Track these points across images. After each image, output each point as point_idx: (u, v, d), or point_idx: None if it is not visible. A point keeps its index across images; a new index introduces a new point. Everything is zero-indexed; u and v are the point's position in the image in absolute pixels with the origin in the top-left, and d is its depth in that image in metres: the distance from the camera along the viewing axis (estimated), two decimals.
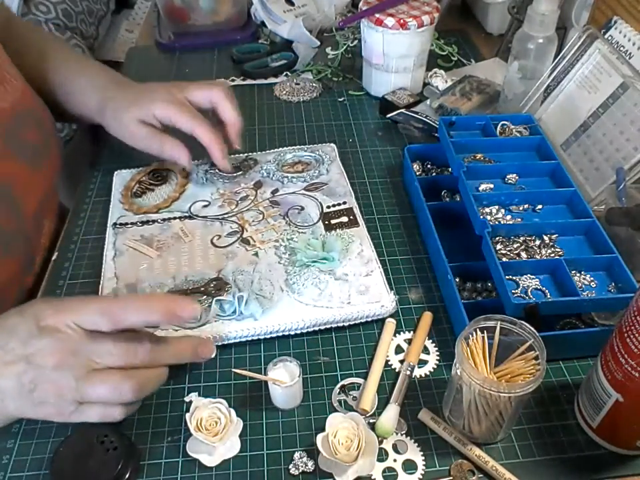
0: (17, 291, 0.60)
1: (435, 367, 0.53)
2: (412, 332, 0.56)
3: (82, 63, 0.74)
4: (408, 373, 0.52)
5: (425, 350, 0.54)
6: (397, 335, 0.56)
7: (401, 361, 0.53)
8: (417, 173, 0.69)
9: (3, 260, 0.57)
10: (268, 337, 0.55)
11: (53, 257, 0.64)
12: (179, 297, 0.54)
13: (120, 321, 0.45)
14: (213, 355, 0.51)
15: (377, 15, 0.78)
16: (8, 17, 0.74)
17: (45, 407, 0.45)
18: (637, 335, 0.40)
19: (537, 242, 0.57)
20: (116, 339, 0.45)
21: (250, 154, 0.74)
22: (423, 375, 0.52)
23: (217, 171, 0.71)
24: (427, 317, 0.56)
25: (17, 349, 0.44)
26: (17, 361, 0.44)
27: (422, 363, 0.53)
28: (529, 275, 0.55)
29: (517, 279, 0.55)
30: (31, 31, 0.77)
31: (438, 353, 0.54)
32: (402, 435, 0.48)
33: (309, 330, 0.55)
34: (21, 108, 0.62)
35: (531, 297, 0.53)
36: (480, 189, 0.63)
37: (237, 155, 0.73)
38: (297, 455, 0.47)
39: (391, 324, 0.56)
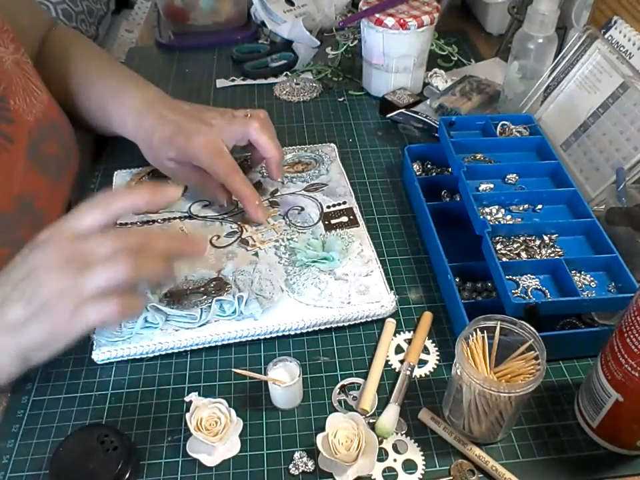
0: None
1: (435, 366, 0.53)
2: (412, 332, 0.56)
3: (123, 81, 0.70)
4: (408, 372, 0.52)
5: (425, 350, 0.54)
6: (396, 334, 0.56)
7: (401, 361, 0.53)
8: (417, 173, 0.69)
9: None
10: (268, 336, 0.55)
11: None
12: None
13: (107, 208, 0.45)
14: (205, 254, 0.51)
15: (377, 15, 0.78)
16: (49, 27, 0.74)
17: (46, 316, 0.43)
18: (637, 334, 0.40)
19: (537, 242, 0.57)
20: (105, 231, 0.46)
21: (249, 154, 0.74)
22: (423, 375, 0.52)
23: None
24: (427, 317, 0.56)
25: (16, 271, 0.45)
26: (19, 281, 0.44)
27: (422, 363, 0.53)
28: (529, 275, 0.55)
29: (517, 279, 0.55)
30: (75, 43, 0.76)
31: (438, 353, 0.54)
32: (402, 434, 0.48)
33: (309, 330, 0.55)
34: (44, 121, 0.62)
35: (531, 297, 0.53)
36: (480, 189, 0.63)
37: (236, 155, 0.73)
38: (296, 455, 0.47)
39: (390, 324, 0.56)
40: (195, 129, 0.62)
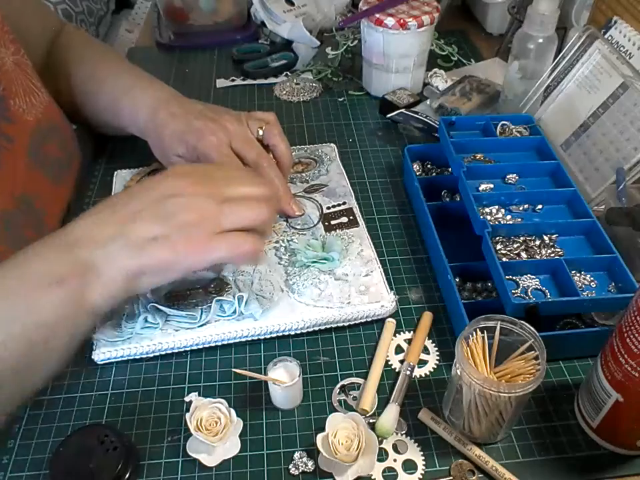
0: None
1: (435, 366, 0.53)
2: (412, 332, 0.56)
3: (134, 79, 0.71)
4: (408, 373, 0.52)
5: (425, 350, 0.54)
6: (397, 334, 0.56)
7: (401, 361, 0.53)
8: (417, 173, 0.69)
9: None
10: (268, 337, 0.55)
11: None
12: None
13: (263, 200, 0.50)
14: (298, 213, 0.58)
15: (377, 15, 0.78)
16: (58, 30, 0.75)
17: (178, 242, 0.45)
18: (637, 334, 0.40)
19: (537, 242, 0.57)
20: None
21: None
22: (423, 375, 0.52)
23: None
24: (427, 317, 0.56)
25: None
26: (148, 202, 0.46)
27: (422, 363, 0.53)
28: (529, 275, 0.55)
29: (517, 279, 0.55)
30: (85, 43, 0.76)
31: (438, 353, 0.54)
32: (402, 435, 0.48)
33: (309, 330, 0.55)
34: (45, 122, 0.62)
35: (531, 297, 0.53)
36: (480, 189, 0.63)
37: None
38: (296, 455, 0.47)
39: (390, 324, 0.56)
40: (208, 129, 0.62)
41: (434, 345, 0.55)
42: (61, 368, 0.46)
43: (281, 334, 0.55)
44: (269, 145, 0.64)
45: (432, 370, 0.53)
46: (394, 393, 0.50)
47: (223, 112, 0.66)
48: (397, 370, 0.53)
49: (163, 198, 0.46)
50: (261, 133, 0.64)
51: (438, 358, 0.54)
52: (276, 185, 0.62)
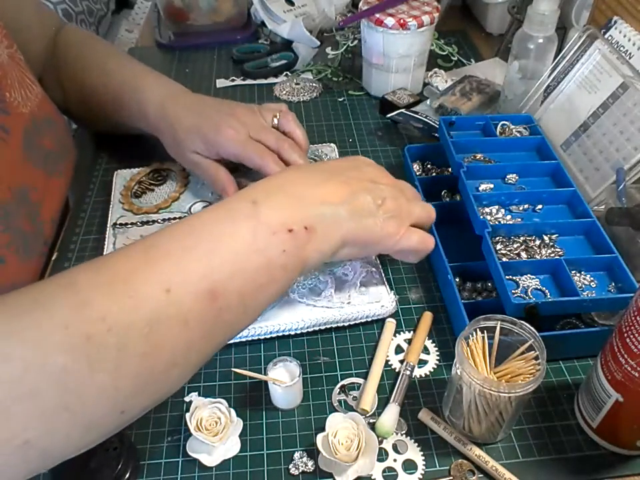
0: None
1: (435, 366, 0.53)
2: (412, 332, 0.56)
3: (144, 74, 0.71)
4: (408, 372, 0.51)
5: (425, 350, 0.54)
6: (397, 334, 0.56)
7: (401, 361, 0.53)
8: (417, 173, 0.69)
9: (24, 263, 0.57)
10: (268, 337, 0.55)
11: (53, 257, 0.64)
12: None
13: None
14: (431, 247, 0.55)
15: (377, 15, 0.78)
16: (58, 29, 0.75)
17: (388, 223, 0.49)
18: (637, 334, 0.40)
19: (537, 242, 0.57)
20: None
21: None
22: (423, 375, 0.52)
23: None
24: (427, 317, 0.56)
25: (356, 172, 0.51)
26: (364, 180, 0.50)
27: (422, 363, 0.53)
28: (529, 275, 0.55)
29: (517, 279, 0.55)
30: (89, 41, 0.77)
31: (438, 353, 0.54)
32: (402, 435, 0.48)
33: (309, 330, 0.55)
34: (39, 114, 0.62)
35: (531, 297, 0.53)
36: (480, 189, 0.63)
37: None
38: (296, 455, 0.47)
39: (391, 324, 0.56)
40: (224, 121, 0.62)
41: (434, 345, 0.55)
42: (251, 323, 0.44)
43: (281, 334, 0.55)
44: (285, 132, 0.65)
45: (432, 370, 0.53)
46: (394, 393, 0.50)
47: (235, 105, 0.66)
48: (396, 370, 0.53)
49: (365, 178, 0.50)
50: (275, 121, 0.65)
51: (438, 358, 0.54)
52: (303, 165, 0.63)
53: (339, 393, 0.51)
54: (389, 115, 0.79)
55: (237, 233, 0.42)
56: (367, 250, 0.51)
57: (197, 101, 0.66)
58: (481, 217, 0.58)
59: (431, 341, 0.55)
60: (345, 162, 0.55)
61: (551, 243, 0.57)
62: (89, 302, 0.35)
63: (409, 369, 0.52)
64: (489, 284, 0.57)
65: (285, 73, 0.93)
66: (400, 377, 0.51)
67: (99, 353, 0.34)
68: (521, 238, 0.58)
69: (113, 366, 0.35)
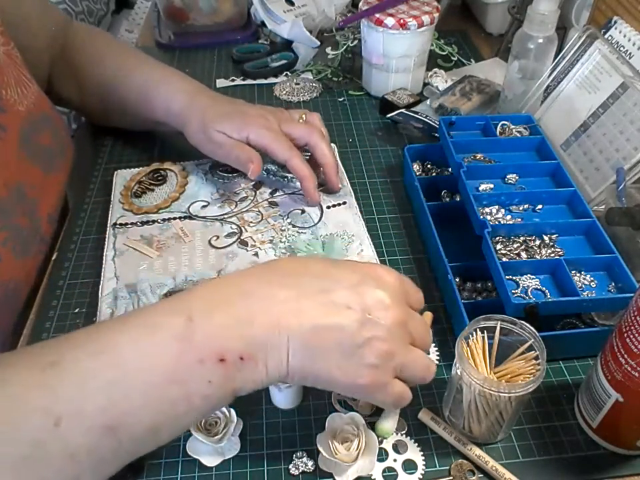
0: (28, 291, 0.60)
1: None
2: None
3: (167, 70, 0.73)
4: None
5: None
6: None
7: None
8: (417, 173, 0.69)
9: (21, 260, 0.57)
10: None
11: (53, 257, 0.64)
12: None
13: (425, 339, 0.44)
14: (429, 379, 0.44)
15: (377, 15, 0.78)
16: (61, 24, 0.75)
17: (361, 371, 0.39)
18: (636, 334, 0.40)
19: (537, 242, 0.57)
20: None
21: None
22: None
23: (217, 171, 0.71)
24: (427, 317, 0.56)
25: (347, 291, 0.39)
26: (353, 307, 0.38)
27: None
28: (529, 275, 0.55)
29: (517, 279, 0.55)
30: (101, 38, 0.78)
31: (438, 353, 0.54)
32: (402, 435, 0.48)
33: None
34: (36, 112, 0.62)
35: (531, 297, 0.53)
36: (480, 189, 0.63)
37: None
38: (296, 455, 0.47)
39: None
40: (254, 111, 0.66)
41: (434, 345, 0.55)
42: (168, 443, 0.38)
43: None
44: None
45: None
46: None
47: (259, 105, 0.69)
48: None
49: (370, 308, 0.39)
50: (303, 119, 0.68)
51: (438, 358, 0.54)
52: (332, 156, 0.66)
53: (339, 393, 0.51)
54: (389, 115, 0.79)
55: (156, 358, 0.36)
56: (326, 387, 0.41)
57: (223, 96, 0.70)
58: (481, 217, 0.58)
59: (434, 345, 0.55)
60: (349, 269, 0.42)
61: (551, 243, 0.57)
62: None
63: None
64: (489, 284, 0.57)
65: (285, 73, 0.93)
66: None
67: None
68: (521, 238, 0.58)
69: None
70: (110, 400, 0.34)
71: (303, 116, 0.68)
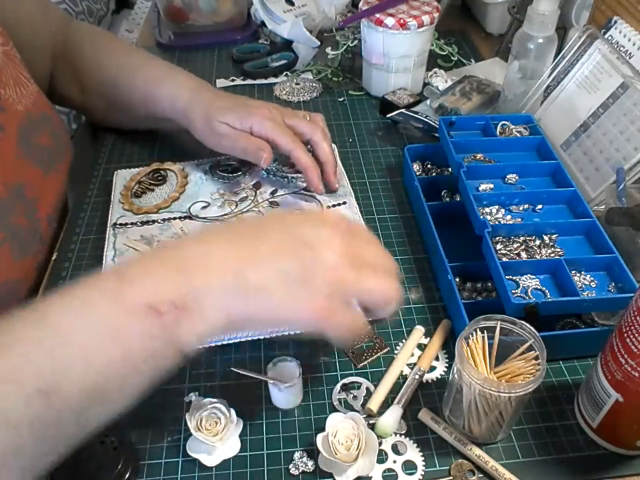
0: (27, 290, 0.60)
1: (443, 373, 0.52)
2: (411, 332, 0.56)
3: (170, 67, 0.74)
4: (417, 377, 0.51)
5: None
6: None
7: (409, 365, 0.53)
8: (417, 173, 0.69)
9: (20, 260, 0.57)
10: (268, 337, 0.55)
11: (53, 257, 0.64)
12: None
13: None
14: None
15: (377, 15, 0.78)
16: (66, 22, 0.75)
17: (306, 302, 0.38)
18: (637, 334, 0.40)
19: (537, 242, 0.57)
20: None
21: None
22: (430, 381, 0.52)
23: (217, 171, 0.71)
24: (445, 325, 0.55)
25: (285, 230, 0.40)
26: (292, 243, 0.39)
27: (430, 368, 0.53)
28: (529, 275, 0.55)
29: (517, 279, 0.55)
30: (103, 36, 0.78)
31: (447, 360, 0.53)
32: (402, 435, 0.48)
33: None
34: (34, 112, 0.62)
35: (531, 297, 0.53)
36: (480, 189, 0.63)
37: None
38: (297, 455, 0.47)
39: (418, 331, 0.55)
40: (258, 104, 0.67)
41: (444, 352, 0.54)
42: (124, 409, 0.37)
43: (280, 334, 0.55)
44: None
45: (439, 376, 0.52)
46: (399, 395, 0.50)
47: (265, 103, 0.69)
48: (403, 373, 0.52)
49: (303, 243, 0.39)
50: (307, 118, 0.68)
51: (447, 365, 0.53)
52: (331, 153, 0.67)
53: (340, 392, 0.51)
54: (389, 115, 0.79)
55: (89, 318, 0.35)
56: (273, 327, 0.42)
57: (227, 92, 0.71)
58: (481, 217, 0.58)
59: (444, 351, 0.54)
60: (298, 218, 0.43)
61: (551, 243, 0.57)
62: None
63: (419, 373, 0.51)
64: (489, 284, 0.57)
65: (285, 73, 0.93)
66: (408, 381, 0.51)
67: None
68: (521, 238, 0.58)
69: None
70: (46, 365, 0.34)
71: (307, 116, 0.69)
